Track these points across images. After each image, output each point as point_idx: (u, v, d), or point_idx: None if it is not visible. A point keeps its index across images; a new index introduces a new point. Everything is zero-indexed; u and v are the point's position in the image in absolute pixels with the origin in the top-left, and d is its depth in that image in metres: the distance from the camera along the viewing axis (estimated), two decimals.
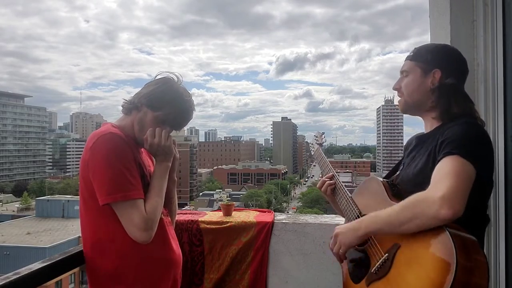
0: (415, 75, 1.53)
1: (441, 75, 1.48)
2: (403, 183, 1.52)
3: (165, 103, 1.64)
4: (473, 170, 1.26)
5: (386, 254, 1.31)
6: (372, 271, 1.36)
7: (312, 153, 2.11)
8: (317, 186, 1.88)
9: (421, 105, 1.54)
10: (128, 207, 1.51)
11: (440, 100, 1.48)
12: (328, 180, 1.81)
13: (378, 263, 1.33)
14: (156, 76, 1.72)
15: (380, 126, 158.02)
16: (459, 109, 1.46)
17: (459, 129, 1.36)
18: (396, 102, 1.75)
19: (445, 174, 1.25)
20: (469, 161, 1.26)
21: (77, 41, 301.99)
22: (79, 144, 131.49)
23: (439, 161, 1.31)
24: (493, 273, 1.83)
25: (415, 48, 1.60)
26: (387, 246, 1.32)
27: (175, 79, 1.71)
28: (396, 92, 1.62)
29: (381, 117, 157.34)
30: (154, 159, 1.73)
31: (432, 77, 1.49)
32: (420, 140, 1.56)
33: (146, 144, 1.65)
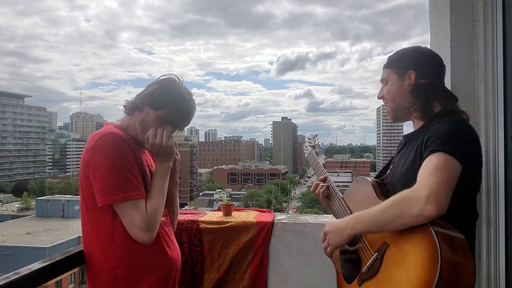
0: (393, 81, 1.57)
1: (415, 76, 1.51)
2: (393, 181, 1.53)
3: (167, 102, 1.64)
4: (458, 166, 1.27)
5: (376, 254, 1.33)
6: (363, 270, 1.38)
7: (306, 156, 2.12)
8: (311, 189, 1.90)
9: (405, 108, 1.56)
10: (129, 207, 1.51)
11: (418, 100, 1.51)
12: (320, 183, 1.82)
13: (369, 262, 1.35)
14: (159, 78, 1.73)
15: (380, 126, 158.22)
16: (441, 106, 1.49)
17: (443, 126, 1.38)
18: None
19: (430, 171, 1.26)
20: (454, 157, 1.27)
21: (77, 41, 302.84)
22: (79, 144, 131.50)
23: (424, 158, 1.32)
24: (493, 273, 1.83)
25: (389, 56, 1.64)
26: (377, 246, 1.34)
27: (177, 80, 1.71)
28: (382, 100, 1.64)
29: (381, 117, 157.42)
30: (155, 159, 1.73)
31: (408, 79, 1.53)
32: (407, 138, 1.59)
33: (147, 144, 1.65)
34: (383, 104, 1.67)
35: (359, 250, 1.44)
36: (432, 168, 1.26)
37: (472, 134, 1.40)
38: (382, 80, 1.62)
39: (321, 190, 1.79)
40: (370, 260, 1.34)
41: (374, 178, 1.63)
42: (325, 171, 1.88)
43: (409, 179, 1.35)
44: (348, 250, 1.50)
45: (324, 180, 1.82)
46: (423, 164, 1.31)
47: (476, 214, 1.46)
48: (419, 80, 1.50)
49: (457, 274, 1.13)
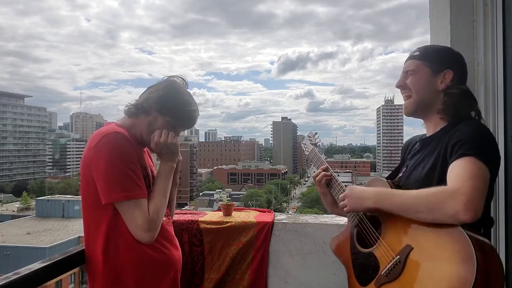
0: (423, 75, 1.52)
1: (452, 77, 1.49)
2: (409, 184, 1.49)
3: (175, 108, 1.66)
4: (488, 173, 1.26)
5: (398, 257, 1.29)
6: (382, 273, 1.34)
7: (307, 154, 2.08)
8: (313, 175, 1.88)
9: (429, 105, 1.53)
10: (131, 207, 1.52)
11: (451, 103, 1.48)
12: (324, 171, 1.81)
13: (389, 265, 1.31)
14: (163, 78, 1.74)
15: (380, 126, 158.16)
16: (466, 111, 1.47)
17: (471, 130, 1.36)
18: (396, 102, 1.76)
19: (465, 176, 1.24)
20: (484, 163, 1.26)
21: (78, 41, 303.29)
22: (79, 144, 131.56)
23: (453, 161, 1.30)
24: None
25: (419, 48, 1.59)
26: (398, 248, 1.30)
27: (182, 83, 1.73)
28: (400, 90, 1.61)
29: (381, 117, 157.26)
30: (159, 159, 1.74)
31: (442, 77, 1.50)
32: (424, 142, 1.56)
33: (153, 142, 1.66)
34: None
35: (375, 251, 1.41)
36: (467, 173, 1.24)
37: (495, 140, 1.40)
38: (407, 71, 1.57)
39: (324, 178, 1.79)
40: (391, 263, 1.31)
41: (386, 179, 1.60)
42: (330, 167, 1.85)
43: (428, 183, 1.33)
44: (362, 252, 1.48)
45: (326, 170, 1.81)
46: (454, 165, 1.29)
47: (491, 220, 1.43)
48: (456, 83, 1.48)
49: (490, 279, 1.10)
